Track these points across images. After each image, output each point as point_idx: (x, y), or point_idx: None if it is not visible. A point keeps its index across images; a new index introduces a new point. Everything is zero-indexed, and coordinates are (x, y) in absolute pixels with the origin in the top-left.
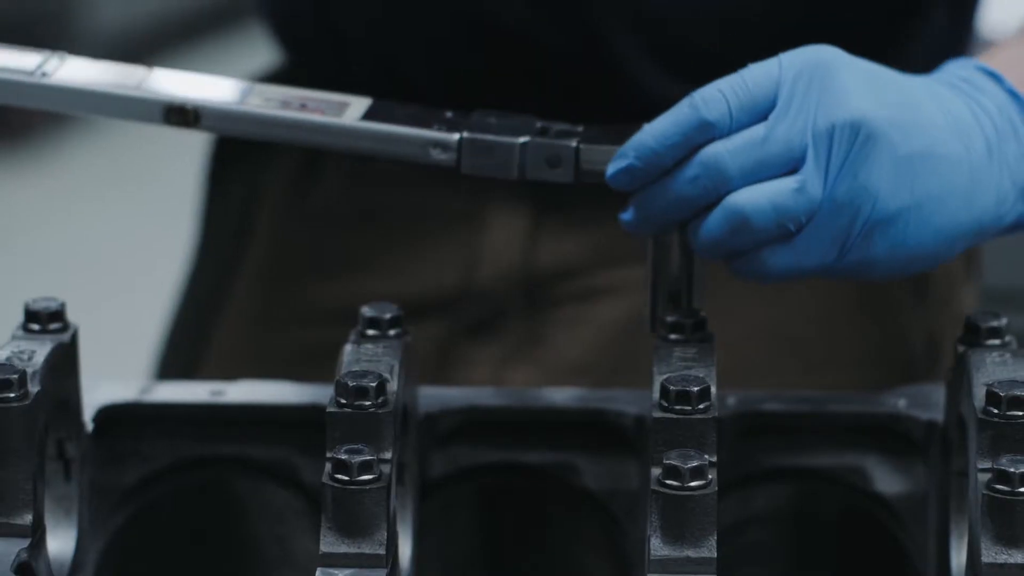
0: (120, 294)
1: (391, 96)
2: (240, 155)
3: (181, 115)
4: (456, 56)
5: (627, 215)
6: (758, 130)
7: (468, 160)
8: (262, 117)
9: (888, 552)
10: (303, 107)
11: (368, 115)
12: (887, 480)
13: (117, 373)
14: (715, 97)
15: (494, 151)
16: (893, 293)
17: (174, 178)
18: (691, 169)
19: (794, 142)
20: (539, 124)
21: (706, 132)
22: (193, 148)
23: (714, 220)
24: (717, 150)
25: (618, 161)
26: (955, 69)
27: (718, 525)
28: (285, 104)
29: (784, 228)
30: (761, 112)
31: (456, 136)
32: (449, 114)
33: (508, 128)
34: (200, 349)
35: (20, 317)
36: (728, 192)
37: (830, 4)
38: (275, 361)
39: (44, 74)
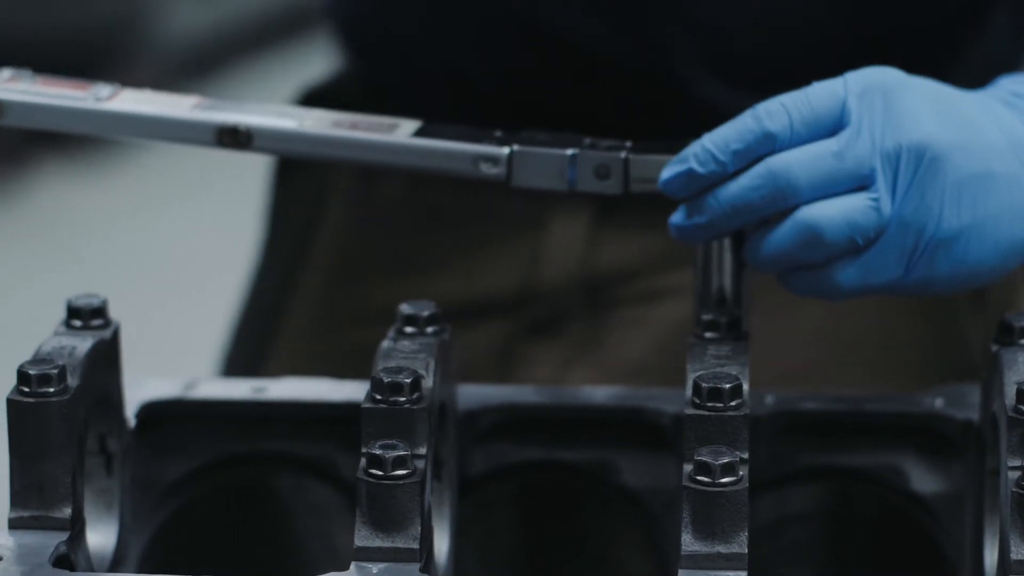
0: (186, 294)
1: (449, 100)
2: None
3: (233, 136)
4: (513, 62)
5: (678, 220)
6: (829, 145)
7: (518, 173)
8: (314, 137)
9: (925, 551)
10: (354, 127)
11: (418, 133)
12: (924, 479)
13: (183, 371)
14: (778, 110)
15: (544, 163)
16: (953, 297)
17: (241, 180)
18: (756, 177)
19: (864, 160)
20: (587, 140)
21: (767, 143)
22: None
23: (784, 232)
24: (787, 160)
25: (675, 166)
26: (1008, 84)
27: (756, 524)
28: (336, 124)
29: (853, 243)
30: (822, 129)
31: (506, 150)
32: (498, 133)
33: (557, 142)
34: (265, 348)
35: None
36: (794, 204)
37: (886, 13)
38: (339, 360)
39: (98, 99)
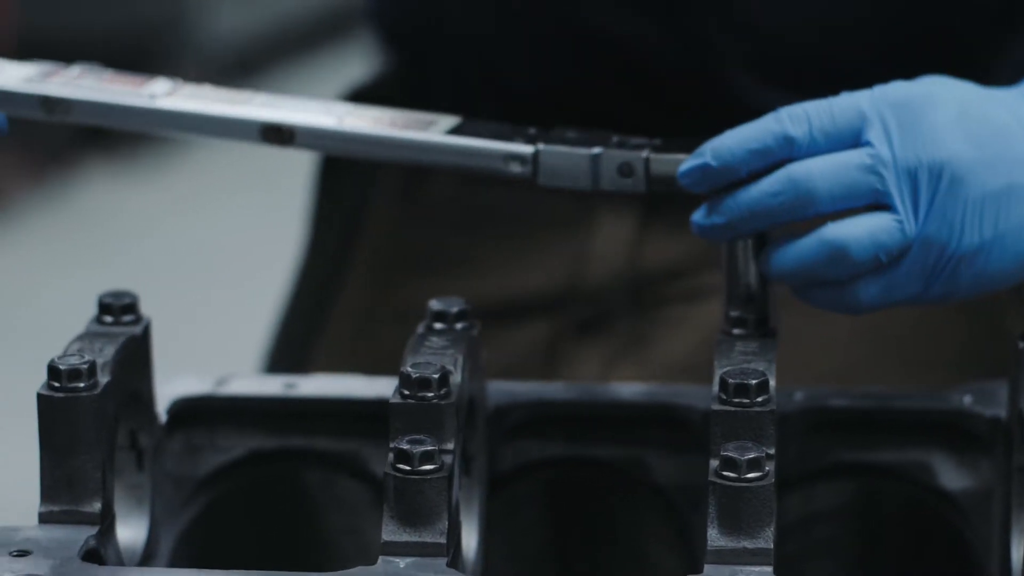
0: (229, 293)
1: (491, 100)
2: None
3: (277, 134)
4: (555, 62)
5: (698, 218)
6: (851, 156)
7: (544, 172)
8: (351, 135)
9: (953, 548)
10: (392, 124)
11: (453, 131)
12: (952, 476)
13: (224, 370)
14: (800, 116)
15: (568, 162)
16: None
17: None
18: (776, 183)
19: (885, 176)
20: (615, 138)
21: (786, 147)
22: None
23: (808, 248)
24: (809, 169)
25: (693, 159)
26: None
27: (785, 520)
28: (377, 121)
29: (878, 261)
30: (841, 141)
31: (531, 149)
32: (531, 130)
33: (583, 141)
34: (308, 346)
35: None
36: (813, 213)
37: (931, 13)
38: (382, 358)
39: (153, 97)
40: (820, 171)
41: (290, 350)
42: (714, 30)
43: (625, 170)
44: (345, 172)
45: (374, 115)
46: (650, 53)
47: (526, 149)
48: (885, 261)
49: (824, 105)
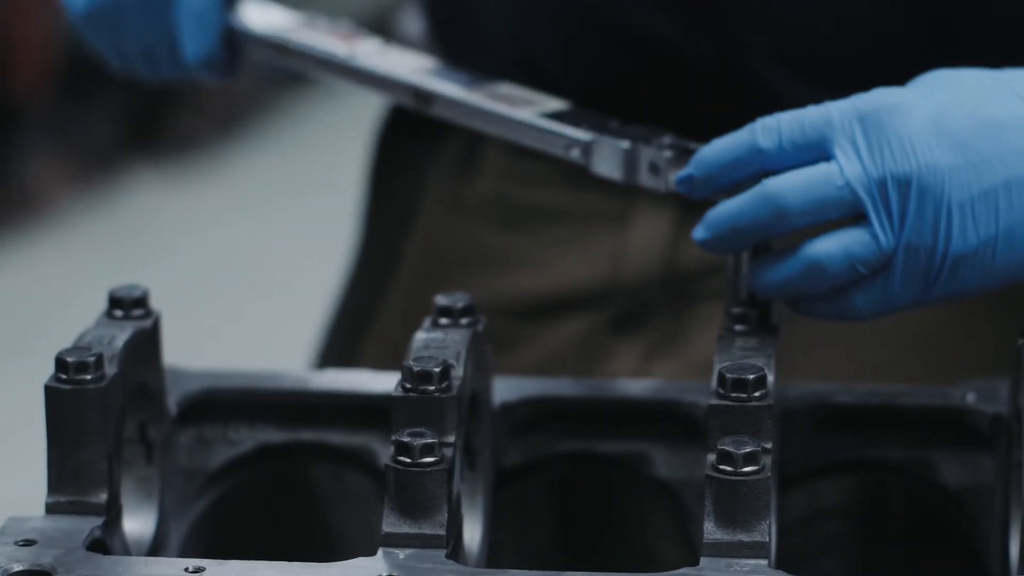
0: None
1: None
2: (401, 156)
3: (421, 98)
4: (589, 60)
5: (696, 232)
6: (818, 171)
7: (595, 161)
8: (459, 103)
9: (955, 544)
10: (498, 98)
11: (550, 115)
12: (955, 473)
13: (276, 366)
14: (772, 127)
15: (610, 153)
16: (1021, 291)
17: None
18: (749, 199)
19: (856, 188)
20: (668, 138)
21: (756, 158)
22: (352, 153)
23: (787, 264)
24: (779, 184)
25: (685, 168)
26: None
27: (790, 516)
28: (492, 96)
29: (856, 273)
30: (811, 152)
31: (587, 136)
32: (613, 123)
33: (632, 135)
34: (356, 346)
35: (186, 320)
36: (788, 228)
37: (959, 8)
38: None
39: (354, 56)
40: (790, 186)
41: (340, 349)
42: (740, 25)
43: (654, 168)
44: (395, 175)
45: (491, 91)
46: (678, 49)
47: (583, 135)
48: (865, 272)
49: (796, 116)
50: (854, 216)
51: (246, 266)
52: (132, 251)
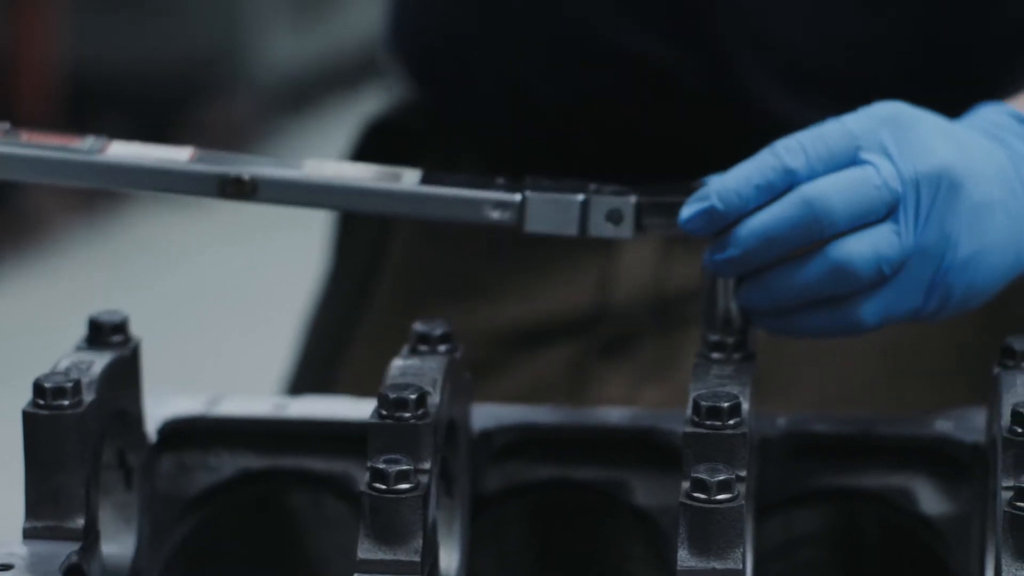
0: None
1: (513, 123)
2: None
3: (238, 187)
4: (579, 83)
5: (711, 257)
6: (855, 173)
7: (531, 218)
8: (321, 185)
9: (934, 573)
10: (361, 177)
11: (423, 182)
12: (933, 502)
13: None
14: (794, 147)
15: (555, 209)
16: (1011, 309)
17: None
18: (790, 207)
19: (895, 187)
20: (593, 186)
21: (787, 179)
22: None
23: (816, 268)
24: (822, 189)
25: (696, 204)
26: (988, 114)
27: (767, 545)
28: (340, 173)
29: (881, 274)
30: (837, 165)
31: (518, 196)
32: (501, 180)
33: (565, 188)
34: (332, 371)
35: (184, 345)
36: (830, 235)
37: (947, 29)
38: None
39: (92, 152)
40: (835, 190)
41: (313, 375)
42: (730, 45)
43: (614, 216)
44: None
45: (335, 167)
46: (672, 70)
47: (512, 196)
48: (888, 273)
49: (815, 133)
50: (877, 219)
51: (244, 292)
52: (133, 277)
